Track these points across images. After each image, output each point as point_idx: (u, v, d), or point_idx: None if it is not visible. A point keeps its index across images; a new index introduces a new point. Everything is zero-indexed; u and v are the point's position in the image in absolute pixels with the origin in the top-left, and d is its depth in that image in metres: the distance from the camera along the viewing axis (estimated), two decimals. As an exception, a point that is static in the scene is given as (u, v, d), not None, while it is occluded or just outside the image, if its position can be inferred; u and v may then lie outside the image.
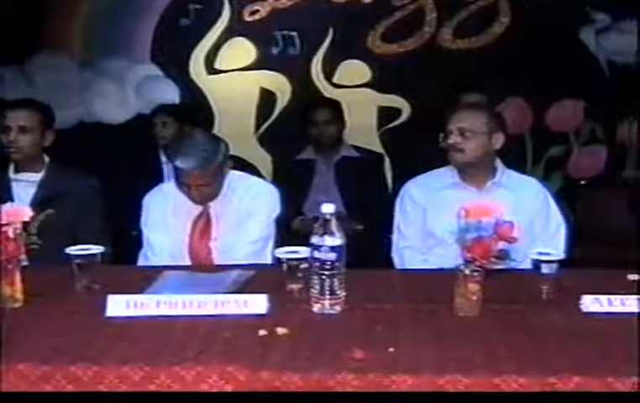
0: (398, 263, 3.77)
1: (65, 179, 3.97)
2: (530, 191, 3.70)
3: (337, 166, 5.47)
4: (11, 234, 2.72)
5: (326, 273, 2.64)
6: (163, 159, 5.51)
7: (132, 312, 2.62)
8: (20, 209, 2.78)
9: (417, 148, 5.27)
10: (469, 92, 5.28)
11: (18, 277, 2.76)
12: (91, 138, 6.45)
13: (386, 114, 6.64)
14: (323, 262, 2.63)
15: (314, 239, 2.64)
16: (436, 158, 3.87)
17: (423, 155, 4.36)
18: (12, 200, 3.74)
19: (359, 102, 6.46)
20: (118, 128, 6.60)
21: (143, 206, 3.73)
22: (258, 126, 6.66)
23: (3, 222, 2.72)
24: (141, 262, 3.67)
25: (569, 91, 6.36)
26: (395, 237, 3.86)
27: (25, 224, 2.78)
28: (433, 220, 3.64)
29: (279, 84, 6.61)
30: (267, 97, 6.65)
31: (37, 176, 3.95)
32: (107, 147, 6.09)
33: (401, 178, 4.06)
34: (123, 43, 6.61)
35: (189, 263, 3.53)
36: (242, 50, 6.61)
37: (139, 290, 2.79)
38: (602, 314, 2.64)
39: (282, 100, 6.63)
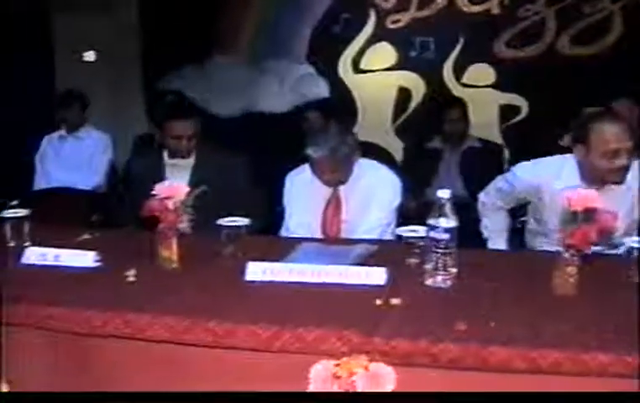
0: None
1: (214, 161, 3.95)
2: None
3: (463, 155, 5.37)
4: (171, 206, 2.70)
5: (440, 251, 2.51)
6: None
7: (267, 277, 2.56)
8: (179, 186, 2.76)
9: (533, 141, 5.09)
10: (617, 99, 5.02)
11: (175, 243, 2.74)
12: (254, 125, 6.50)
13: (507, 112, 6.42)
14: (438, 241, 2.50)
15: (431, 220, 2.51)
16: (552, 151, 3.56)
17: (539, 148, 4.15)
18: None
19: (484, 100, 6.34)
20: (277, 117, 6.63)
21: (286, 183, 3.69)
22: (395, 118, 6.56)
23: (165, 195, 2.70)
24: (283, 233, 3.62)
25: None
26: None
27: (183, 199, 2.75)
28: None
29: (415, 83, 6.54)
30: (404, 94, 6.54)
31: (189, 161, 3.98)
32: (266, 132, 6.13)
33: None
34: (284, 45, 6.64)
35: (321, 237, 3.46)
36: (384, 53, 6.57)
37: (278, 259, 2.71)
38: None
39: (417, 97, 6.53)
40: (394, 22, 6.49)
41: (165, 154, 4.03)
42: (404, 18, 6.47)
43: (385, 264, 2.60)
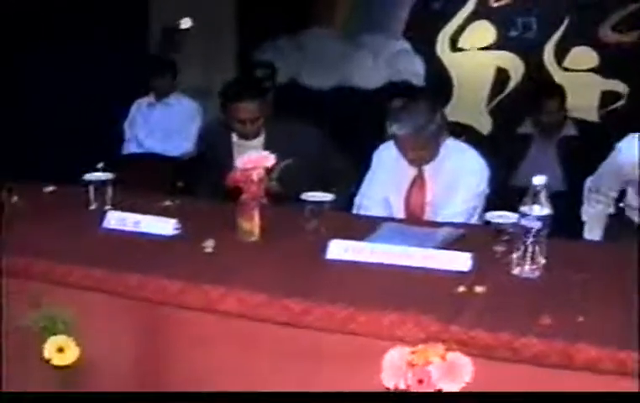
0: None
1: (286, 135, 3.76)
2: None
3: (558, 144, 5.09)
4: (254, 177, 2.66)
5: (530, 239, 2.39)
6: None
7: (349, 256, 2.48)
8: (264, 156, 2.70)
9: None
10: None
11: (256, 215, 2.69)
12: (345, 99, 6.42)
13: (608, 97, 6.17)
14: (529, 229, 2.39)
15: (524, 207, 2.40)
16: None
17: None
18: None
19: (585, 84, 6.10)
20: (369, 93, 6.52)
21: (373, 158, 3.59)
22: (490, 99, 6.37)
23: (249, 166, 2.66)
24: (355, 210, 3.53)
25: None
26: None
27: (267, 170, 2.69)
28: None
29: (514, 64, 6.33)
30: (501, 75, 6.34)
31: (259, 141, 3.86)
32: (358, 108, 6.04)
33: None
34: (380, 20, 6.52)
35: (403, 217, 3.37)
36: (484, 32, 6.39)
37: (360, 237, 2.63)
38: None
39: (515, 78, 6.32)
40: (497, 0, 6.30)
41: (234, 136, 3.92)
42: (508, -3, 6.27)
43: (471, 250, 2.49)
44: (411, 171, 3.41)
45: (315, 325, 2.10)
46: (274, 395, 2.14)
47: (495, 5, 6.32)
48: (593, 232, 3.38)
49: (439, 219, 3.24)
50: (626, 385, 1.88)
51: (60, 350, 2.28)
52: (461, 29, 6.41)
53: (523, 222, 2.41)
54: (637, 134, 3.31)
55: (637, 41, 5.99)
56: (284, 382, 2.15)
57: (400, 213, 3.39)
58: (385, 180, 3.48)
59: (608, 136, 4.74)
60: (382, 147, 3.56)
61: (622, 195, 3.50)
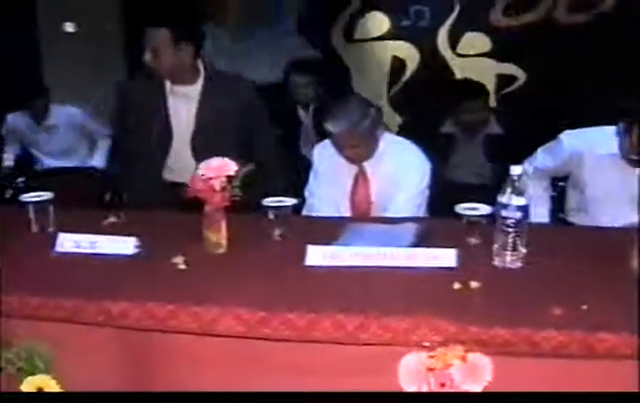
0: None
1: (224, 83, 3.62)
2: None
3: (484, 141, 5.05)
4: (217, 187, 2.53)
5: (510, 230, 2.39)
6: (301, 113, 5.24)
7: (329, 262, 2.40)
8: (226, 164, 2.58)
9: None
10: None
11: (223, 226, 2.57)
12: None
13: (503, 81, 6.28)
14: (509, 219, 2.38)
15: (501, 198, 2.39)
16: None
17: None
18: (168, 115, 3.59)
19: (480, 68, 6.16)
20: (267, 88, 6.40)
21: (314, 156, 3.51)
22: (389, 89, 6.40)
23: (210, 175, 2.53)
24: (305, 210, 3.43)
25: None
26: None
27: (229, 177, 2.57)
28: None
29: (409, 53, 6.36)
30: (398, 64, 6.38)
31: (195, 88, 3.60)
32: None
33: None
34: (274, 16, 6.44)
35: (350, 215, 3.32)
36: (377, 22, 6.38)
37: (327, 241, 2.55)
38: None
39: (411, 67, 6.36)
40: (388, -11, 6.33)
41: (168, 82, 3.60)
42: (398, -15, 6.30)
43: (445, 244, 2.46)
44: (353, 169, 3.34)
45: (324, 338, 2.02)
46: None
47: (386, -5, 6.34)
48: (539, 212, 3.42)
49: (388, 214, 3.20)
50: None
51: (39, 390, 2.11)
52: (354, 20, 6.39)
53: (503, 212, 2.40)
54: (577, 130, 3.40)
55: (527, 24, 6.12)
56: None
57: (346, 212, 3.32)
58: (329, 179, 3.41)
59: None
60: (322, 144, 3.47)
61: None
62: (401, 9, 6.31)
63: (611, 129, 3.25)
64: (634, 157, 3.11)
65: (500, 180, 3.10)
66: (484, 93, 5.14)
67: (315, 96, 5.17)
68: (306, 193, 3.47)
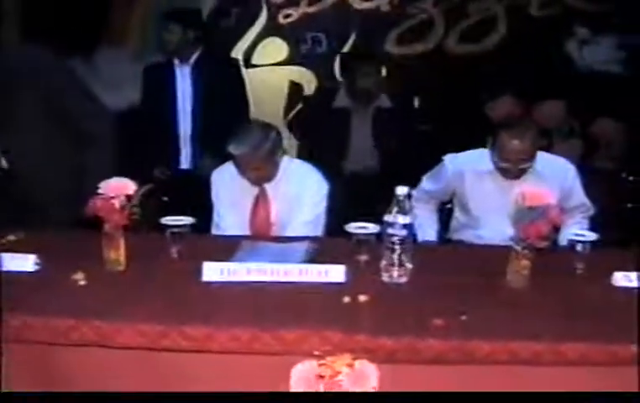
0: None
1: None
2: (560, 171, 3.51)
3: (373, 117, 5.13)
4: (117, 205, 2.61)
5: (396, 247, 2.55)
6: (175, 61, 4.99)
7: (225, 278, 2.51)
8: (125, 183, 2.65)
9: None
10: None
11: (122, 243, 2.65)
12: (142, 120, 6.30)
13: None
14: (395, 237, 2.54)
15: (388, 217, 2.54)
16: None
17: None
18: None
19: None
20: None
21: (212, 182, 3.59)
22: (286, 113, 6.53)
23: (111, 194, 2.61)
24: (214, 230, 3.52)
25: (552, 93, 6.27)
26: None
27: (128, 197, 2.65)
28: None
29: (306, 78, 6.50)
30: (295, 89, 6.53)
31: None
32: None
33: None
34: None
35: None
36: (275, 48, 6.49)
37: (224, 257, 2.66)
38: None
39: (308, 91, 6.51)
40: (285, 16, 6.44)
41: None
42: (296, 13, 6.41)
43: (335, 261, 2.60)
44: (253, 190, 3.44)
45: (220, 349, 2.12)
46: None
47: (284, 22, 6.46)
48: (427, 234, 3.60)
49: (287, 234, 3.32)
50: (518, 373, 2.08)
51: None
52: (254, 46, 6.49)
53: (390, 230, 2.55)
54: (458, 154, 3.62)
55: (422, 53, 6.36)
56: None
57: (246, 232, 3.41)
58: (231, 202, 3.49)
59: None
60: (219, 170, 3.57)
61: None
62: (299, 36, 6.44)
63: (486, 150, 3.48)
64: (503, 165, 3.35)
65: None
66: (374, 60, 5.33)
67: None
68: (214, 215, 3.56)
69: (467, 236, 3.57)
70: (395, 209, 2.54)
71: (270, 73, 6.54)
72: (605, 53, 6.29)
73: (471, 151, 3.59)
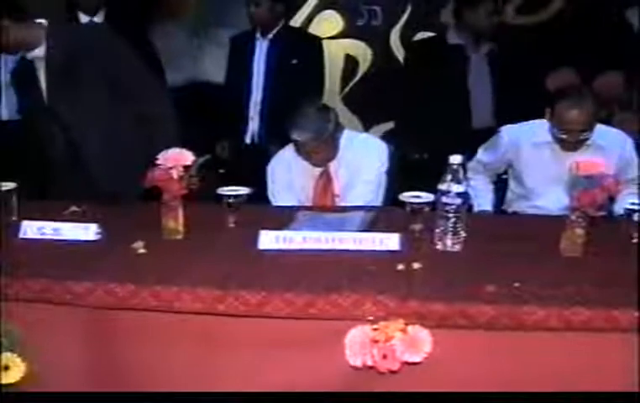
0: None
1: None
2: (618, 143, 3.48)
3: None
4: (175, 176, 2.67)
5: (451, 215, 2.56)
6: (257, 35, 5.02)
7: (281, 246, 2.56)
8: (183, 154, 2.71)
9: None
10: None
11: (180, 213, 2.71)
12: (199, 95, 6.35)
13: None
14: (449, 205, 2.56)
15: (442, 185, 2.56)
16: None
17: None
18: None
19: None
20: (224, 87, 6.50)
21: (268, 173, 3.64)
22: (342, 87, 6.54)
23: (169, 165, 2.67)
24: None
25: (613, 64, 6.14)
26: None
27: (186, 167, 2.71)
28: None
29: (362, 51, 6.49)
30: (351, 63, 6.52)
31: None
32: (212, 103, 6.00)
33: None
34: (229, 14, 6.49)
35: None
36: (331, 21, 6.49)
37: (280, 227, 2.71)
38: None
39: (364, 65, 6.50)
40: (341, -11, 6.46)
41: None
42: (351, -14, 6.43)
43: (391, 230, 2.63)
44: (316, 171, 3.49)
45: (275, 314, 2.17)
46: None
47: (339, -6, 6.46)
48: (482, 203, 3.61)
49: (349, 199, 3.37)
50: (572, 339, 2.09)
51: (6, 368, 2.24)
52: (309, 20, 6.51)
53: (444, 199, 2.57)
54: (515, 124, 3.62)
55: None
56: (246, 374, 2.22)
57: None
58: (288, 183, 3.55)
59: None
60: (275, 159, 3.65)
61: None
62: (354, 9, 6.42)
63: (542, 121, 3.46)
64: (561, 136, 3.33)
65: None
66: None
67: None
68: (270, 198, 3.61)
69: (523, 207, 3.57)
70: (449, 177, 2.55)
71: (325, 46, 6.54)
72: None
73: (528, 122, 3.58)
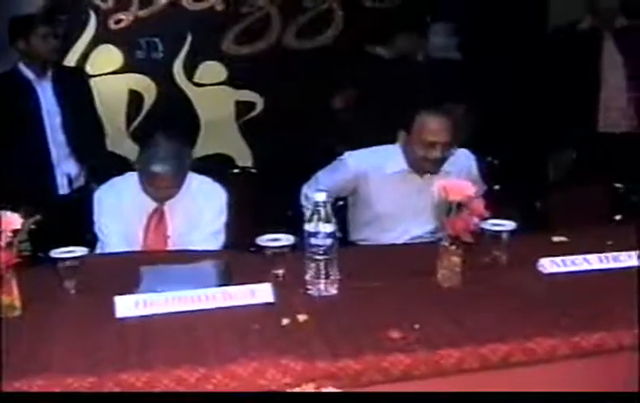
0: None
1: None
2: (464, 162, 3.41)
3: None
4: (2, 243, 2.24)
5: (321, 257, 2.35)
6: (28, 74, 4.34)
7: (142, 311, 2.21)
8: (11, 218, 2.29)
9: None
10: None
11: (14, 285, 2.28)
12: None
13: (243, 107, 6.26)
14: (319, 247, 2.34)
15: (309, 226, 2.34)
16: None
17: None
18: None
19: (218, 97, 6.16)
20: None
21: (94, 201, 3.24)
22: (129, 123, 6.14)
23: (-5, 231, 2.24)
24: (98, 248, 3.18)
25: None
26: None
27: (15, 231, 2.29)
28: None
29: (145, 85, 6.12)
30: (135, 97, 6.14)
31: None
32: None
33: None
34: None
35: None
36: (110, 56, 6.07)
37: (127, 287, 2.35)
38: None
39: (149, 99, 6.14)
40: (116, 22, 6.03)
41: None
42: (127, 18, 6.02)
43: (251, 278, 2.39)
44: (149, 206, 3.16)
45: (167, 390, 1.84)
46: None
47: (115, 28, 6.04)
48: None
49: (188, 246, 3.06)
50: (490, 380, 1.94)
51: None
52: (86, 54, 6.04)
53: (313, 240, 2.35)
54: (361, 150, 3.45)
55: (257, 51, 6.17)
56: None
57: (137, 247, 3.12)
58: (119, 215, 3.18)
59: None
60: (104, 187, 3.28)
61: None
62: (132, 42, 6.05)
63: (393, 147, 3.35)
64: (423, 154, 3.19)
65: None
66: None
67: None
68: (95, 224, 3.22)
69: (371, 235, 3.41)
70: (315, 217, 2.34)
71: (106, 82, 6.11)
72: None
73: (375, 149, 3.43)
